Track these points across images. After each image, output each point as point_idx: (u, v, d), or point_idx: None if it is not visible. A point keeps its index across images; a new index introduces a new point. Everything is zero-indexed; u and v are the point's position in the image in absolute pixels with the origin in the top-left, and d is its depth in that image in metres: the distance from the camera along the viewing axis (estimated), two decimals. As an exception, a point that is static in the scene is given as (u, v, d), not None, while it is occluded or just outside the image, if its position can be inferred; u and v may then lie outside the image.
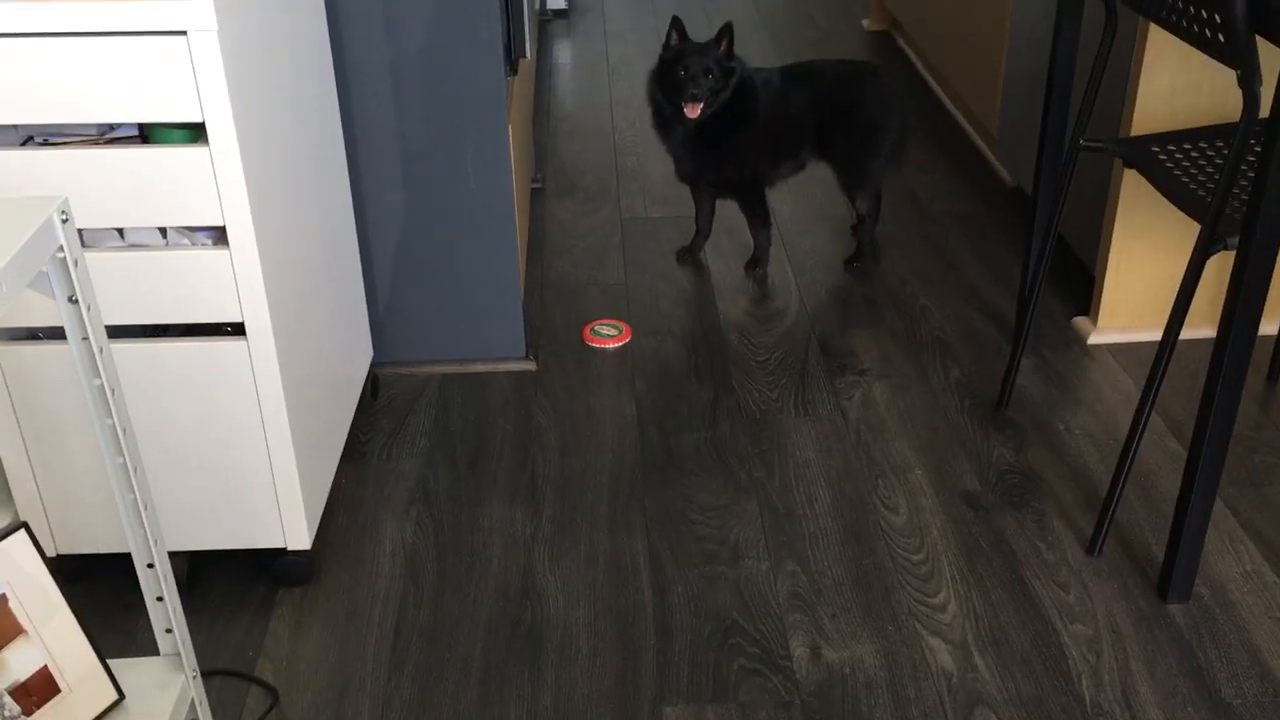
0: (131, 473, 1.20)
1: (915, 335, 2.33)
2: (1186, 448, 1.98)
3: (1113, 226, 2.17)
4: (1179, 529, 1.64)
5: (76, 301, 1.10)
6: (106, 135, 1.52)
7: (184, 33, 1.36)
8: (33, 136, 1.52)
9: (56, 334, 1.56)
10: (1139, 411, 1.69)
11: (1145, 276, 2.22)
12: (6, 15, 1.35)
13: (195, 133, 1.48)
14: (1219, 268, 2.17)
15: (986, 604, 1.69)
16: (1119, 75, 2.13)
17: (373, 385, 2.16)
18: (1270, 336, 2.18)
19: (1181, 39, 1.57)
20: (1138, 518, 1.85)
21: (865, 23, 3.99)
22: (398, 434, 2.08)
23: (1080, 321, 2.33)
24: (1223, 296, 1.55)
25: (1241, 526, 1.82)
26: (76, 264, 1.09)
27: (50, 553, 1.66)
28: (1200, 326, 2.24)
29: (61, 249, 1.08)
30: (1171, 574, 1.67)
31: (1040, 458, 1.99)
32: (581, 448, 2.04)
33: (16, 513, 1.64)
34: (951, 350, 2.28)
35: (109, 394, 1.16)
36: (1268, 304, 1.80)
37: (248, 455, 1.62)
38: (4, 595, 1.17)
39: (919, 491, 1.91)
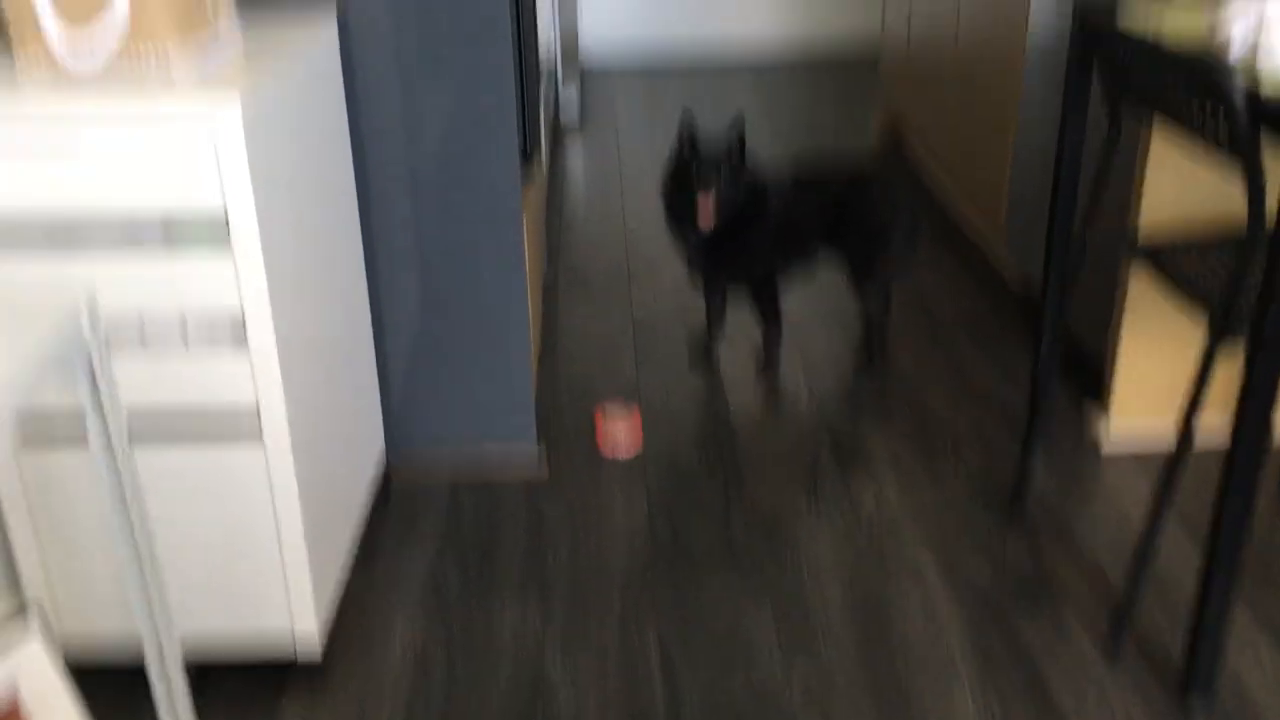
0: (147, 574, 1.20)
1: (926, 434, 2.33)
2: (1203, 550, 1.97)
3: (1120, 325, 2.19)
4: (1198, 632, 1.62)
5: (100, 394, 1.12)
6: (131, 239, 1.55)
7: (210, 122, 1.39)
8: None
9: (76, 440, 1.57)
10: (1153, 513, 1.69)
11: (1157, 375, 2.23)
12: (40, 107, 1.39)
13: (216, 238, 1.51)
14: (1234, 370, 2.18)
15: (1005, 708, 1.66)
16: (1125, 189, 2.16)
17: (385, 485, 2.16)
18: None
19: (1187, 137, 1.60)
20: (1156, 621, 1.83)
21: (874, 126, 4.07)
22: (409, 536, 2.07)
23: (1093, 421, 2.33)
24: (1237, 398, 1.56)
25: (1262, 628, 1.80)
26: (101, 359, 1.11)
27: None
28: (1217, 431, 2.24)
29: (87, 343, 1.09)
30: (1192, 677, 1.65)
31: (1056, 558, 1.97)
32: (593, 546, 2.03)
33: (24, 600, 1.63)
34: (963, 449, 2.28)
35: (128, 492, 1.16)
36: None
37: (259, 556, 1.61)
38: (19, 701, 1.16)
39: (934, 592, 1.89)
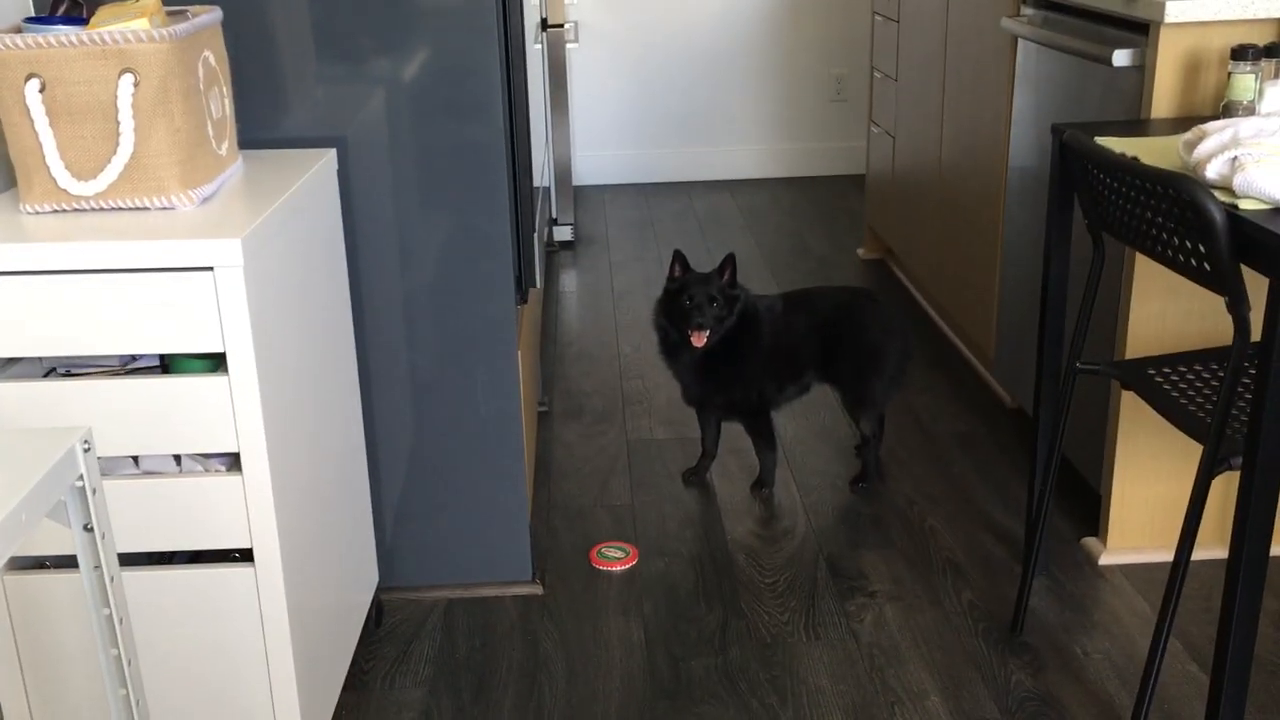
0: (134, 705, 1.18)
1: (925, 556, 2.32)
2: (1207, 672, 1.94)
3: (1115, 447, 2.19)
4: (1208, 759, 1.59)
5: (92, 530, 1.11)
6: (128, 365, 1.56)
7: (210, 268, 1.42)
8: (55, 367, 1.56)
9: (64, 562, 1.55)
10: (1156, 637, 1.67)
11: (1152, 496, 2.22)
12: (42, 254, 1.41)
13: (214, 362, 1.53)
14: (1226, 486, 2.18)
15: (1013, 842, 1.62)
16: (1111, 299, 2.19)
17: (377, 611, 2.13)
18: (1282, 556, 2.16)
19: (1168, 268, 1.63)
20: (1164, 747, 1.79)
21: (860, 251, 4.13)
22: (401, 662, 2.04)
23: (1090, 542, 2.31)
24: (1232, 516, 1.55)
25: (1272, 756, 1.77)
26: (95, 493, 1.11)
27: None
28: (1212, 546, 2.23)
29: (81, 478, 1.09)
30: (1204, 808, 1.61)
31: (1060, 683, 1.94)
32: (589, 675, 1.99)
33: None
34: (962, 571, 2.26)
35: (117, 624, 1.15)
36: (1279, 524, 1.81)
37: (248, 686, 1.58)
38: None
39: (937, 720, 1.86)
